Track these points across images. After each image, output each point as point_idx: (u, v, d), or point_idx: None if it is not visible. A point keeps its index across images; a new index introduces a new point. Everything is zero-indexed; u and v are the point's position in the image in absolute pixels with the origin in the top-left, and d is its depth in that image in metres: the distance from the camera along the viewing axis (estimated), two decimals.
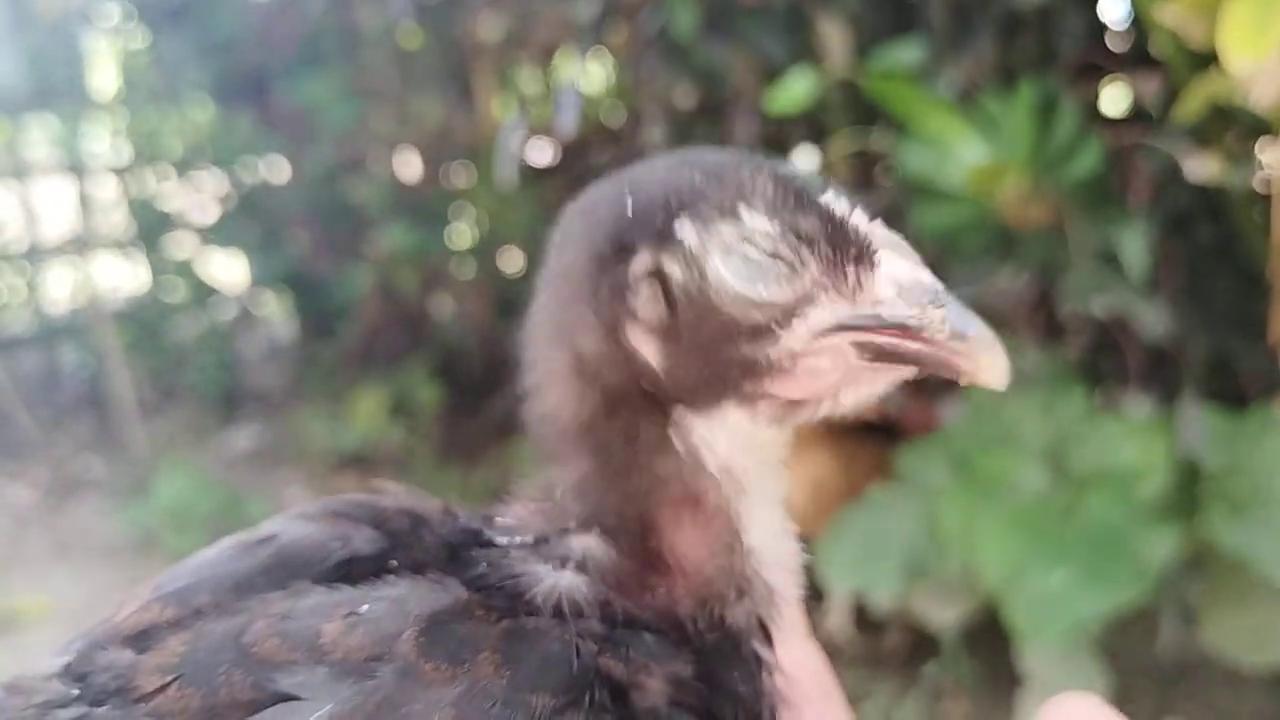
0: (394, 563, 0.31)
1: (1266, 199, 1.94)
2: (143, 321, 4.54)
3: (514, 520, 0.34)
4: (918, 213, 1.94)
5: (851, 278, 0.32)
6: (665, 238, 0.29)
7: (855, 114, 2.18)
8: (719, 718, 0.30)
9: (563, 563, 0.31)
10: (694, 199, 0.29)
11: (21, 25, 4.58)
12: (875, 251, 0.32)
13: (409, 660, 0.26)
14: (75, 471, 3.96)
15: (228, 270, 5.04)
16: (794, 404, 0.32)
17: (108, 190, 4.73)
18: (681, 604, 0.31)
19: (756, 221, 0.30)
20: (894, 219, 1.52)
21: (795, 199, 0.32)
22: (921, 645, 2.37)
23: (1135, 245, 1.79)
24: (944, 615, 2.09)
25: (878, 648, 2.44)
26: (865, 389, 0.33)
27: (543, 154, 4.02)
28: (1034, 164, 1.83)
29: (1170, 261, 1.92)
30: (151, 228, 4.57)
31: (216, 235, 4.75)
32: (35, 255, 4.67)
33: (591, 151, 3.83)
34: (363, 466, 3.90)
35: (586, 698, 0.27)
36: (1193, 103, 1.76)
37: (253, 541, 0.31)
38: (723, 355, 0.30)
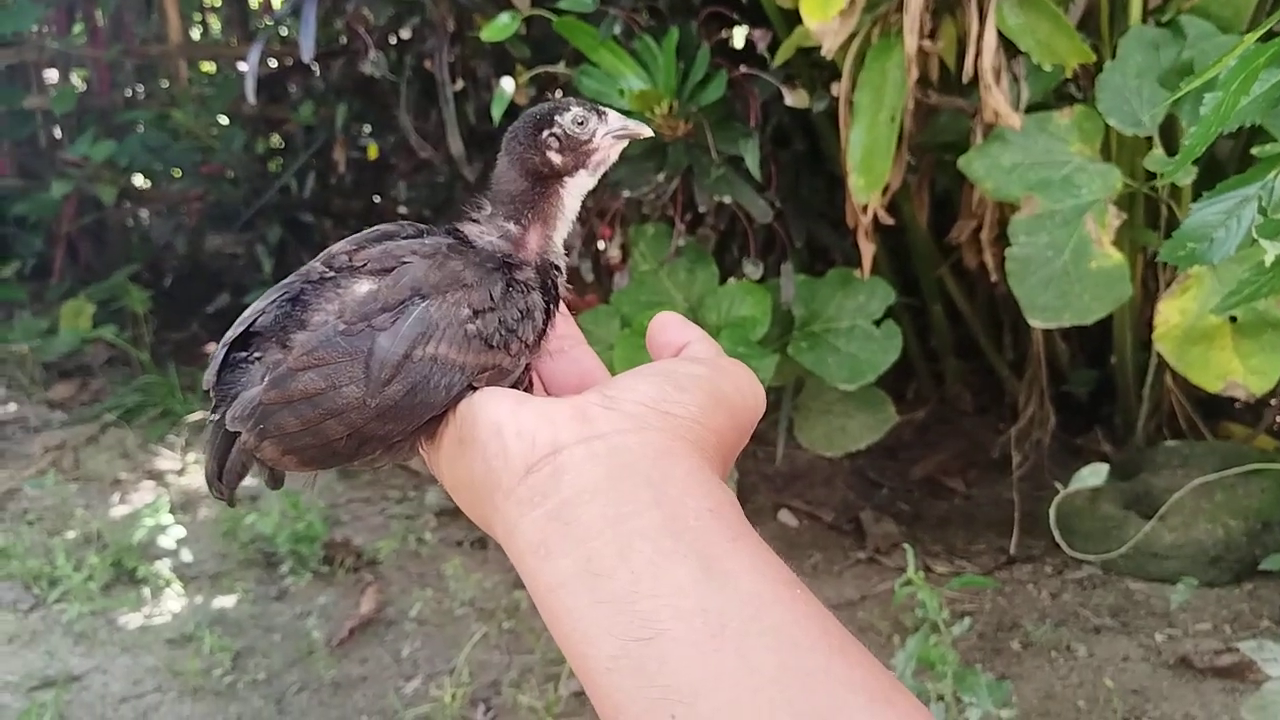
0: (425, 235, 0.69)
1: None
2: None
3: (475, 225, 0.73)
4: None
5: (604, 118, 0.75)
6: (553, 122, 0.71)
7: (530, 44, 2.70)
8: (547, 290, 0.71)
9: (495, 231, 0.72)
10: (557, 109, 0.72)
11: None
12: (607, 111, 0.76)
13: (445, 254, 0.64)
14: None
15: None
16: (599, 163, 0.75)
17: None
18: (530, 256, 0.72)
19: (576, 109, 0.73)
20: None
21: (585, 102, 0.76)
22: None
23: (752, 154, 2.41)
24: None
25: None
26: (615, 152, 0.76)
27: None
28: (679, 91, 2.41)
29: (776, 166, 2.59)
30: None
31: None
32: None
33: (292, 75, 4.03)
34: (78, 373, 3.94)
35: (502, 269, 0.67)
36: (786, 50, 2.41)
37: (372, 231, 0.69)
38: (580, 151, 0.73)
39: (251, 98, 2.54)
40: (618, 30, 2.46)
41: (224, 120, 4.53)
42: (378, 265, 0.65)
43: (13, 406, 3.69)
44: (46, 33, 4.79)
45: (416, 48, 3.11)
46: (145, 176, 4.73)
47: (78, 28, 4.92)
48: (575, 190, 0.75)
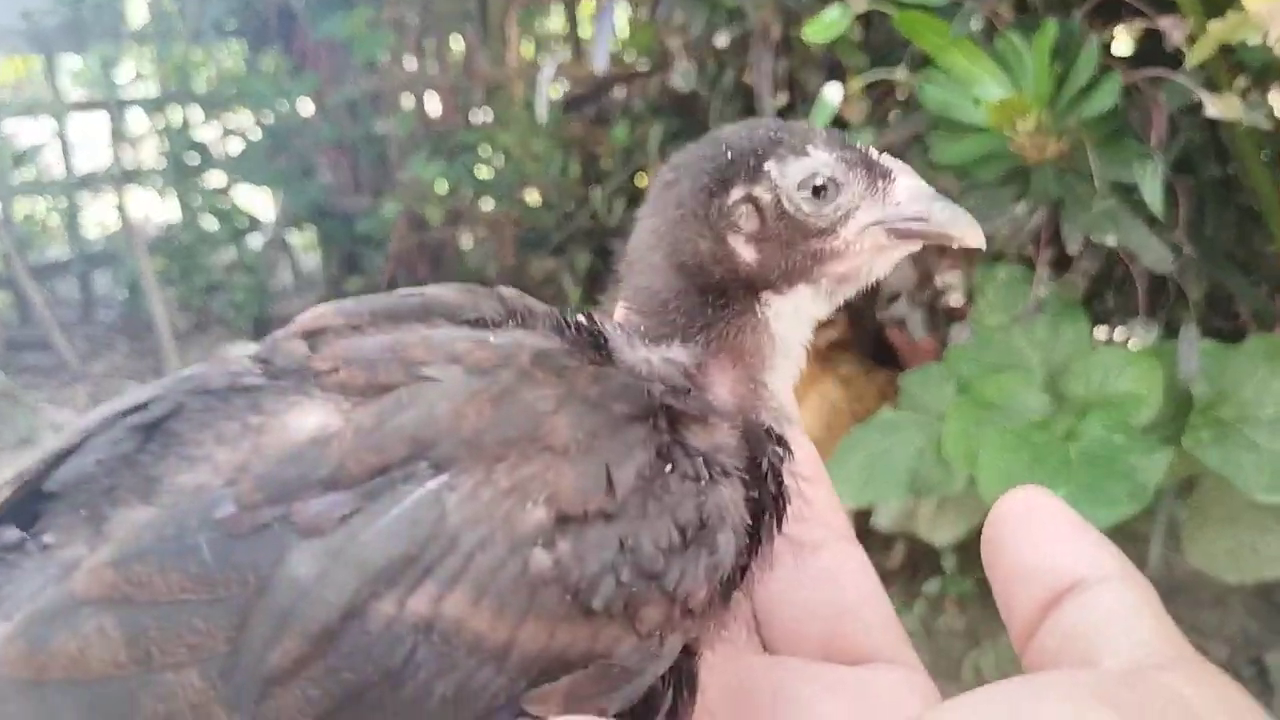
0: (511, 323, 0.39)
1: (1272, 137, 2.01)
2: (175, 251, 4.67)
3: (615, 324, 0.43)
4: (937, 144, 2.03)
5: (879, 189, 0.42)
6: (756, 173, 0.40)
7: (869, 52, 2.28)
8: (755, 481, 0.38)
9: (654, 350, 0.40)
10: (774, 146, 0.40)
11: None
12: (891, 170, 0.43)
13: (524, 368, 0.34)
14: (114, 393, 4.11)
15: (258, 202, 5.14)
16: (844, 279, 0.42)
17: (140, 124, 4.82)
18: (725, 402, 0.41)
19: (820, 155, 0.40)
20: (912, 150, 1.61)
21: (840, 141, 0.43)
22: (922, 562, 2.51)
23: (1154, 182, 1.85)
24: (945, 533, 2.21)
25: (882, 564, 2.57)
26: (887, 262, 0.44)
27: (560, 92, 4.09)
28: (1052, 101, 1.91)
29: (1178, 197, 2.00)
30: (183, 161, 4.67)
31: (245, 169, 4.85)
32: (71, 185, 4.78)
33: (611, 89, 3.90)
34: None
35: (651, 419, 0.35)
36: (1204, 45, 1.83)
37: (406, 293, 0.40)
38: (798, 250, 0.41)
39: (542, 115, 2.36)
40: (976, 26, 2.00)
41: (548, 144, 4.53)
42: (362, 376, 0.33)
43: None
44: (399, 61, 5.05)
45: (739, 59, 2.81)
46: (477, 197, 4.85)
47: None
48: (791, 316, 0.41)
